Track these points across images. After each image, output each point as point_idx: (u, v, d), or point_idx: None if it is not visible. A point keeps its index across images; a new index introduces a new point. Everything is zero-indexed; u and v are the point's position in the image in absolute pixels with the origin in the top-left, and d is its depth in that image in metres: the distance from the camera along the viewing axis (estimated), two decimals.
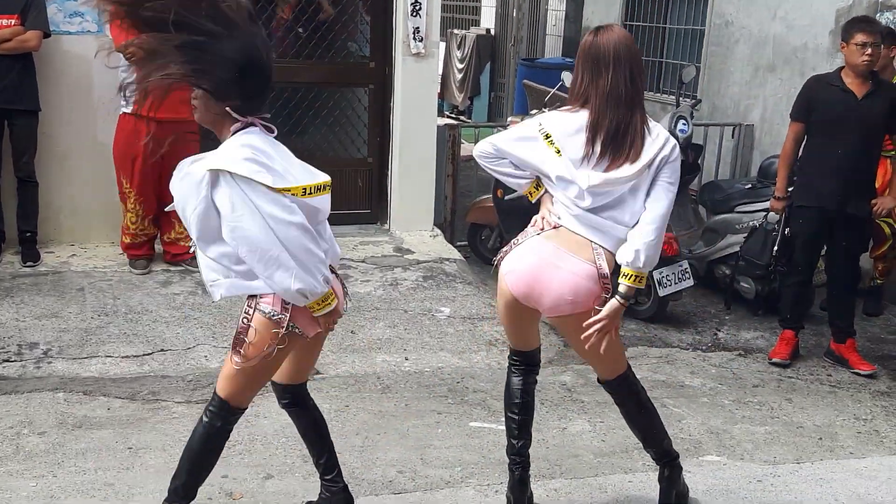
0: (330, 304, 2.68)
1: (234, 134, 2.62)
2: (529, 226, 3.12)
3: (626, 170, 2.93)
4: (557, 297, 2.98)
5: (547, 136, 2.98)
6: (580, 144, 2.95)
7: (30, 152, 5.53)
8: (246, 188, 2.52)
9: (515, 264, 3.04)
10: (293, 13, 6.66)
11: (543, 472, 3.66)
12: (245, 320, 2.70)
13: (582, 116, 2.97)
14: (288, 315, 2.66)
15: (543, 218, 3.07)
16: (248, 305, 2.72)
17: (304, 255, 2.58)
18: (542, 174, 3.05)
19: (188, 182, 2.60)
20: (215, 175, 2.54)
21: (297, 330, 2.70)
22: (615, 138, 2.94)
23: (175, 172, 2.68)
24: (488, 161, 3.13)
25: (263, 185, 2.53)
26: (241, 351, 2.70)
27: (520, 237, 3.10)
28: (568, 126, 2.98)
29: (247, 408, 2.90)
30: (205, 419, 2.85)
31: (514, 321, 3.18)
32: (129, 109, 5.37)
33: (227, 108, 2.59)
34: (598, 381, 3.32)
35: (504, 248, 3.14)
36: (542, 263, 2.99)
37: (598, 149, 2.94)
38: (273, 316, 2.66)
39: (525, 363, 3.25)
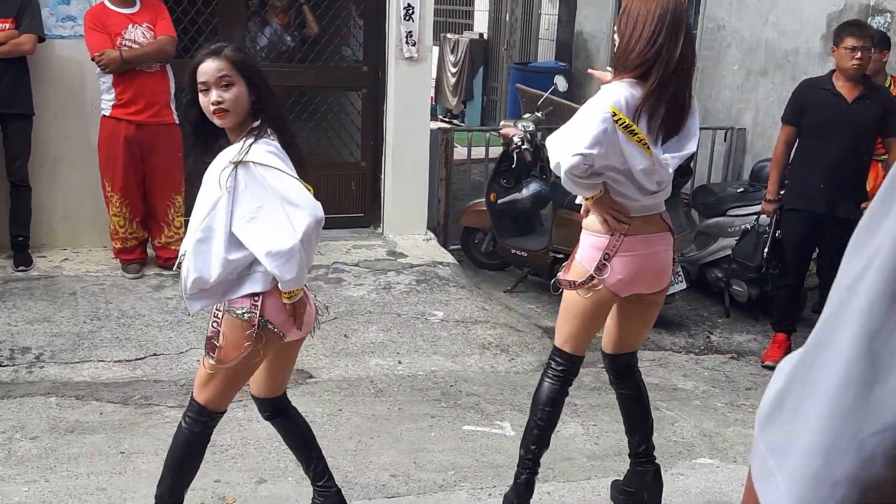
0: (299, 293, 2.71)
1: (251, 136, 2.65)
2: (602, 230, 2.97)
3: (676, 144, 2.93)
4: (663, 279, 3.08)
5: (632, 131, 2.82)
6: (645, 125, 2.86)
7: (23, 157, 5.52)
8: (267, 175, 2.57)
9: (623, 272, 2.97)
10: (291, 20, 6.69)
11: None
12: (215, 324, 2.72)
13: (641, 91, 2.83)
14: (258, 311, 2.68)
15: (614, 219, 2.95)
16: (216, 308, 2.74)
17: (311, 246, 2.64)
18: (622, 172, 2.91)
19: (212, 176, 2.64)
20: (237, 167, 2.58)
21: (271, 326, 2.71)
22: (673, 115, 2.87)
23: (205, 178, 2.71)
24: (583, 179, 2.88)
25: (284, 172, 2.60)
26: (214, 355, 2.71)
27: (606, 246, 2.95)
28: (636, 105, 2.83)
29: (225, 411, 2.91)
30: (184, 425, 2.86)
31: (598, 321, 3.13)
32: (108, 112, 5.38)
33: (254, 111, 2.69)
34: (613, 355, 3.27)
35: (585, 263, 3.00)
36: (644, 260, 2.99)
37: (658, 127, 2.87)
38: (244, 315, 2.67)
39: (571, 372, 3.18)
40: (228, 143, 2.71)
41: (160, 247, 5.68)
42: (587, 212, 3.05)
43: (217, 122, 2.67)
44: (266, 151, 2.60)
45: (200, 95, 2.67)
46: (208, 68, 2.65)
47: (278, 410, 3.05)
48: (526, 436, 3.23)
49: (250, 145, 2.59)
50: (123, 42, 5.27)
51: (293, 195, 2.58)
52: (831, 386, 0.63)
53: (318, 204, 2.63)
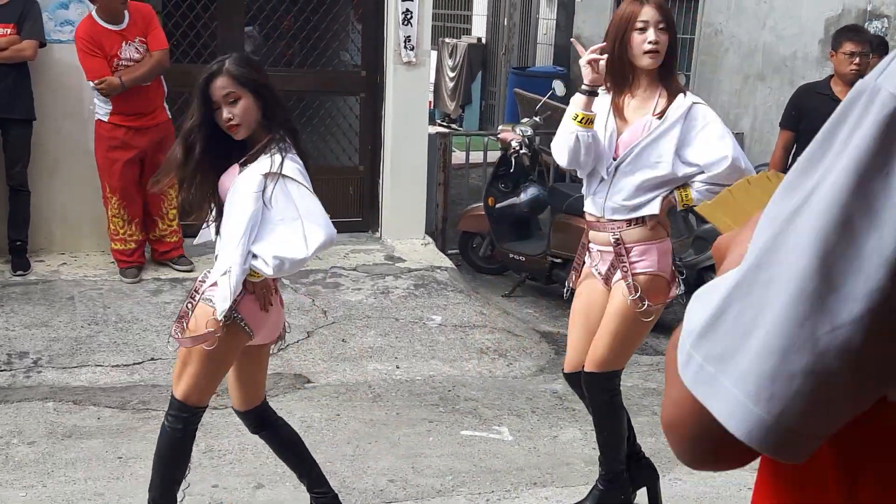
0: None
1: (275, 149, 2.74)
2: (665, 234, 3.15)
3: None
4: None
5: None
6: None
7: (23, 161, 5.52)
8: (294, 190, 2.70)
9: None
10: (290, 25, 6.70)
11: (535, 480, 3.67)
12: (189, 305, 2.80)
13: None
14: (235, 305, 2.74)
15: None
16: (195, 290, 2.81)
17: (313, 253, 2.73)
18: None
19: (244, 186, 2.72)
20: (266, 178, 2.69)
21: (242, 323, 2.77)
22: None
23: (232, 184, 2.79)
24: None
25: (309, 190, 2.74)
26: (181, 334, 2.77)
27: (671, 247, 3.17)
28: None
29: (206, 406, 2.94)
30: (167, 424, 2.91)
31: None
32: (106, 118, 5.37)
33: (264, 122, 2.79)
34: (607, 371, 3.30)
35: (667, 273, 3.13)
36: None
37: None
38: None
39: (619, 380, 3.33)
40: (249, 152, 2.79)
41: (155, 240, 5.73)
42: (655, 224, 3.12)
43: (233, 136, 2.77)
44: (295, 168, 2.73)
45: (216, 114, 2.75)
46: (214, 88, 2.72)
47: (262, 422, 3.07)
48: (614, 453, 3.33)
49: (282, 161, 2.70)
50: (120, 63, 5.25)
51: (314, 213, 2.72)
52: (783, 299, 0.73)
53: (334, 227, 2.77)
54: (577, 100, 3.02)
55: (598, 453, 3.38)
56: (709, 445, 0.80)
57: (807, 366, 0.72)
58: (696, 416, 0.79)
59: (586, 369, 3.21)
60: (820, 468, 0.83)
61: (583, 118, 2.99)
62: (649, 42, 2.95)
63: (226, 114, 2.72)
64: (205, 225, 2.98)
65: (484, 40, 12.70)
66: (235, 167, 2.80)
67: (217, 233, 2.87)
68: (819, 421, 0.75)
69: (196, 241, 3.18)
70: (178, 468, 2.97)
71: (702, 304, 0.82)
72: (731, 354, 0.76)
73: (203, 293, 2.77)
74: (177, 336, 2.78)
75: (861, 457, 0.81)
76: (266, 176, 2.68)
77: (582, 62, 3.01)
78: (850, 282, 0.70)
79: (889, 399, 0.76)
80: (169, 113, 5.57)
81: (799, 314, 0.72)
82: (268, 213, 2.69)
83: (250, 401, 3.02)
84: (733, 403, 0.75)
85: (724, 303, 0.77)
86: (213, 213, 2.89)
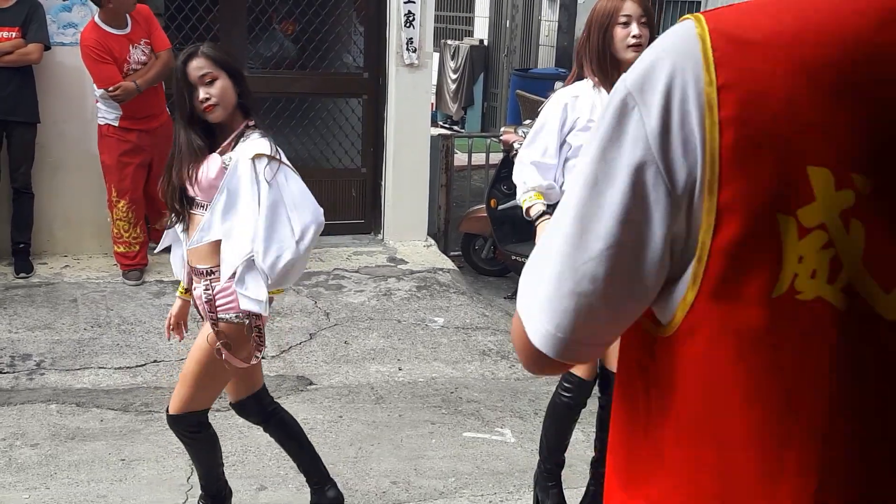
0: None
1: (255, 132, 2.74)
2: None
3: None
4: None
5: None
6: None
7: (27, 163, 5.53)
8: (280, 176, 2.69)
9: None
10: (294, 28, 6.71)
11: None
12: (213, 326, 2.79)
13: None
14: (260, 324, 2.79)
15: None
16: (210, 309, 2.78)
17: (309, 250, 2.73)
18: None
19: (238, 173, 2.69)
20: (255, 161, 2.67)
21: (259, 331, 2.82)
22: None
23: (224, 173, 2.74)
24: None
25: (295, 172, 2.74)
26: (230, 352, 2.77)
27: None
28: None
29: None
30: (197, 437, 2.93)
31: None
32: (116, 123, 5.37)
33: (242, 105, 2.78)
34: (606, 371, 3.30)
35: None
36: None
37: None
38: (243, 319, 2.75)
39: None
40: (224, 140, 2.76)
41: (161, 229, 5.76)
42: None
43: (208, 117, 2.72)
44: (278, 149, 2.74)
45: (192, 98, 2.71)
46: (190, 70, 2.70)
47: (264, 407, 3.04)
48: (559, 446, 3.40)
49: (272, 144, 2.70)
50: (130, 67, 5.27)
51: (302, 198, 2.71)
52: (558, 243, 0.98)
53: (321, 209, 2.76)
54: (535, 212, 3.28)
55: (600, 454, 3.38)
56: (531, 355, 1.04)
57: (572, 289, 0.96)
58: (522, 333, 1.04)
59: (611, 368, 3.23)
60: (636, 381, 1.05)
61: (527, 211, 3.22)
62: (633, 36, 2.94)
63: (202, 94, 2.67)
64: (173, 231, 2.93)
65: (486, 42, 12.71)
66: (213, 156, 2.75)
67: (185, 229, 2.83)
68: (589, 332, 0.99)
69: (158, 248, 3.18)
70: (218, 453, 3.03)
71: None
72: (535, 283, 1.02)
73: (222, 316, 2.74)
74: (236, 357, 2.76)
75: (647, 367, 1.02)
76: (255, 158, 2.65)
77: None
78: (595, 225, 0.95)
79: (659, 319, 0.99)
80: (167, 109, 5.62)
81: (566, 250, 0.97)
82: (259, 198, 2.67)
83: (252, 385, 3.00)
84: (535, 321, 1.01)
85: (538, 244, 1.04)
86: (176, 216, 2.84)
